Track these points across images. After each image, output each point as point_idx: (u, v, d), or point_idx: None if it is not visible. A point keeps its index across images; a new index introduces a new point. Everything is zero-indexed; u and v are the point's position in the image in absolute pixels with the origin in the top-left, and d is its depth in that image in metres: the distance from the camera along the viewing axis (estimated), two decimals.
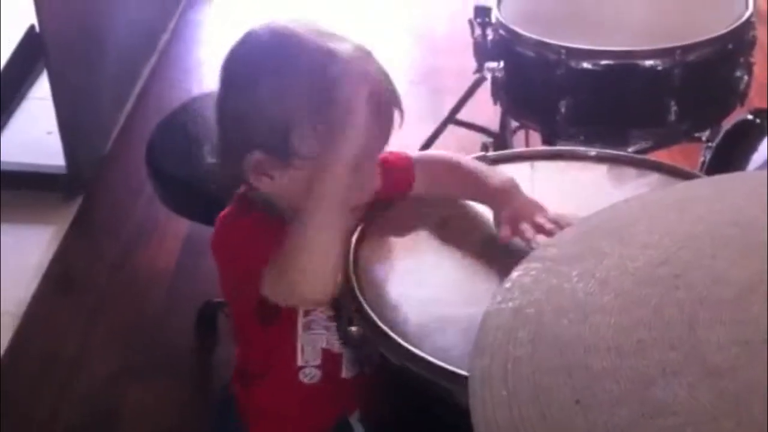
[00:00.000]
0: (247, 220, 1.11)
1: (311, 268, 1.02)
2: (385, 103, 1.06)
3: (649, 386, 0.65)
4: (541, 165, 1.24)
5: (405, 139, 1.15)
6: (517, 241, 1.13)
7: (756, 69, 1.64)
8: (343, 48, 1.03)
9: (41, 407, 1.83)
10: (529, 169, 1.24)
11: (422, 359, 0.98)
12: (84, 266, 2.19)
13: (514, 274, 0.82)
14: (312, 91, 1.02)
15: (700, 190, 0.92)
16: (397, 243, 1.18)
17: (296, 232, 1.03)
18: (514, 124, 2.04)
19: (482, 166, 1.23)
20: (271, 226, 1.08)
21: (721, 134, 1.63)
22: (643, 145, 1.56)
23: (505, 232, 1.14)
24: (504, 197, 1.17)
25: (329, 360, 1.18)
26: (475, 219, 1.20)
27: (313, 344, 1.18)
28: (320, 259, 1.02)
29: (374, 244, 1.16)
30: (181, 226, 2.22)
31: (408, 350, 0.99)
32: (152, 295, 2.10)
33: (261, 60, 1.06)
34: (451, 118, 2.20)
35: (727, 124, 1.63)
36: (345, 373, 1.19)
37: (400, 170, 1.21)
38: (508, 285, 0.80)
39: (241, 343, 1.26)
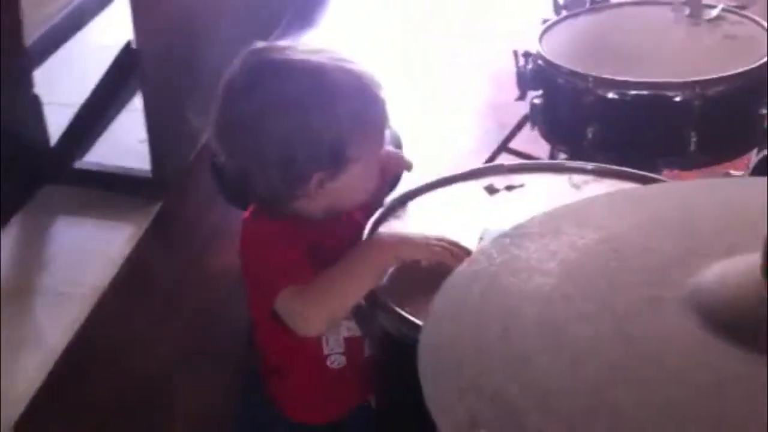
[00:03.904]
0: (272, 227, 1.22)
1: (328, 312, 1.15)
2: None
3: (564, 327, 0.79)
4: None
5: (465, 168, 1.31)
6: None
7: None
8: (356, 66, 1.19)
9: (104, 383, 2.01)
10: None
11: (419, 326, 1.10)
12: (157, 262, 2.40)
13: (486, 245, 0.96)
14: (356, 108, 1.17)
15: (653, 192, 1.05)
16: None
17: (335, 277, 1.15)
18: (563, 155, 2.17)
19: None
20: (294, 233, 1.20)
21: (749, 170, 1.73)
22: (668, 170, 1.68)
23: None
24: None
25: (353, 346, 1.27)
26: None
27: (336, 334, 1.26)
28: (341, 307, 1.16)
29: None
30: None
31: (408, 319, 1.10)
32: (218, 292, 2.27)
33: (301, 93, 1.15)
34: (504, 147, 2.34)
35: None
36: (367, 352, 1.28)
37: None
38: (476, 254, 0.95)
39: (263, 340, 1.33)
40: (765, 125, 1.72)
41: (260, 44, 1.21)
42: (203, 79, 2.80)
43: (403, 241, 1.19)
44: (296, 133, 1.15)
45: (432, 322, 0.83)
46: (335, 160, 1.17)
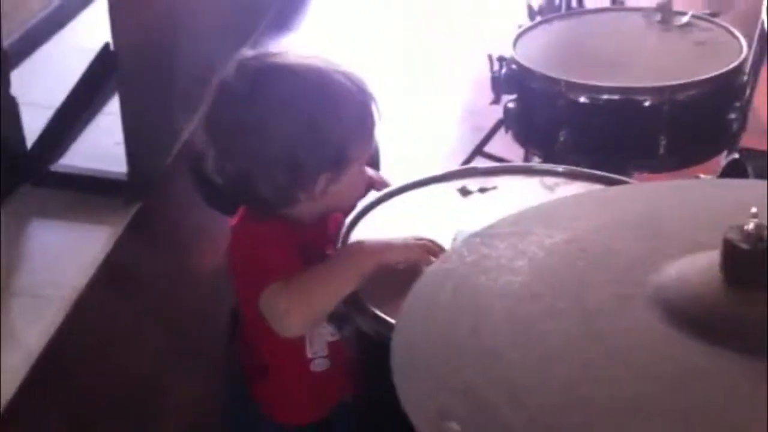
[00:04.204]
0: (266, 228, 1.24)
1: (309, 312, 1.17)
2: None
3: (534, 324, 0.81)
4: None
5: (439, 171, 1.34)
6: None
7: None
8: (349, 69, 1.23)
9: (84, 384, 2.01)
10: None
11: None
12: (135, 264, 2.40)
13: (457, 245, 0.98)
14: (357, 110, 1.22)
15: (619, 193, 1.08)
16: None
17: (318, 277, 1.17)
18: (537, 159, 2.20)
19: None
20: (287, 234, 1.23)
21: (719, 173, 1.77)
22: (638, 173, 1.71)
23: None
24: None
25: (337, 349, 1.30)
26: None
27: (320, 338, 1.29)
28: (321, 308, 1.18)
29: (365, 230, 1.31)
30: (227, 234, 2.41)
31: (384, 320, 1.11)
32: (198, 292, 2.28)
33: (308, 95, 1.18)
34: (479, 150, 2.37)
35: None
36: (348, 353, 1.29)
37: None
38: (448, 254, 0.98)
39: (252, 340, 1.34)
40: (733, 129, 1.76)
41: (251, 51, 1.23)
42: (181, 81, 2.82)
43: (387, 248, 1.20)
44: (304, 136, 1.18)
45: (404, 321, 0.86)
46: (339, 162, 1.20)
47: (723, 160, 1.83)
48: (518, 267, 0.90)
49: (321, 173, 1.20)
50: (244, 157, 1.19)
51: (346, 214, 1.31)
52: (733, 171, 1.70)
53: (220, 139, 1.21)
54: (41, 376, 2.03)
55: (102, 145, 2.78)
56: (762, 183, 1.19)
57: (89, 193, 2.61)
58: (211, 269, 2.40)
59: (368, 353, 1.20)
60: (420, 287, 0.90)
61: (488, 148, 2.41)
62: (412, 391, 0.75)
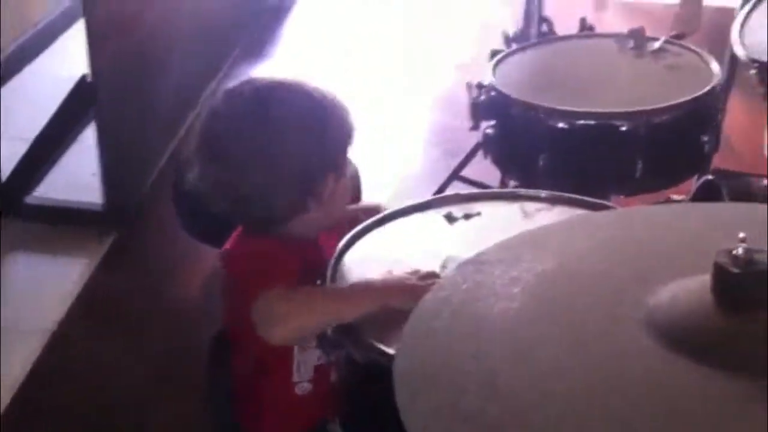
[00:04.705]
0: (265, 242, 1.29)
1: (303, 325, 1.21)
2: None
3: (533, 348, 0.83)
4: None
5: (414, 194, 1.37)
6: None
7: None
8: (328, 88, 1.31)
9: (63, 418, 2.00)
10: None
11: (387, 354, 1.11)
12: (113, 295, 2.39)
13: (450, 273, 1.00)
14: (348, 117, 1.30)
15: (606, 219, 1.11)
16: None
17: (322, 298, 1.22)
18: (513, 182, 2.23)
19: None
20: (290, 249, 1.27)
21: (692, 194, 1.80)
22: (616, 195, 1.75)
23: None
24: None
25: (321, 373, 1.32)
26: None
27: (307, 361, 1.32)
28: (314, 327, 1.21)
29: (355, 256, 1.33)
30: (205, 265, 2.42)
31: (376, 347, 1.13)
32: (179, 320, 2.28)
33: (313, 108, 1.28)
34: (455, 175, 2.40)
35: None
36: (333, 377, 1.31)
37: None
38: (443, 281, 0.99)
39: (241, 361, 1.36)
40: (706, 150, 1.80)
41: (238, 80, 1.30)
42: (157, 111, 2.83)
43: (395, 292, 1.21)
44: (315, 144, 1.26)
45: (405, 349, 0.87)
46: (341, 160, 1.29)
47: (694, 182, 1.87)
48: (513, 293, 0.92)
49: (328, 175, 1.27)
50: (260, 176, 1.24)
51: (339, 234, 1.33)
52: (707, 192, 1.73)
53: (227, 165, 1.25)
54: (21, 411, 2.01)
55: (77, 176, 2.77)
56: (743, 205, 1.23)
57: (65, 224, 2.60)
58: (189, 297, 2.40)
59: (359, 378, 1.21)
60: (418, 315, 0.92)
61: (464, 172, 2.44)
62: (418, 418, 0.77)
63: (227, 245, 1.32)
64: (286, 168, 1.25)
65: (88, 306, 2.34)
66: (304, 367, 1.32)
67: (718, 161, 1.88)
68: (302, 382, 1.33)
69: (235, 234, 1.33)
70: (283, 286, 1.20)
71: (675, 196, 1.94)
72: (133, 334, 2.24)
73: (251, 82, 1.29)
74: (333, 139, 1.28)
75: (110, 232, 2.57)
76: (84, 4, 2.37)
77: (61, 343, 2.21)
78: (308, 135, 1.25)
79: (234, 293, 1.31)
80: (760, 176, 1.67)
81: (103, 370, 2.11)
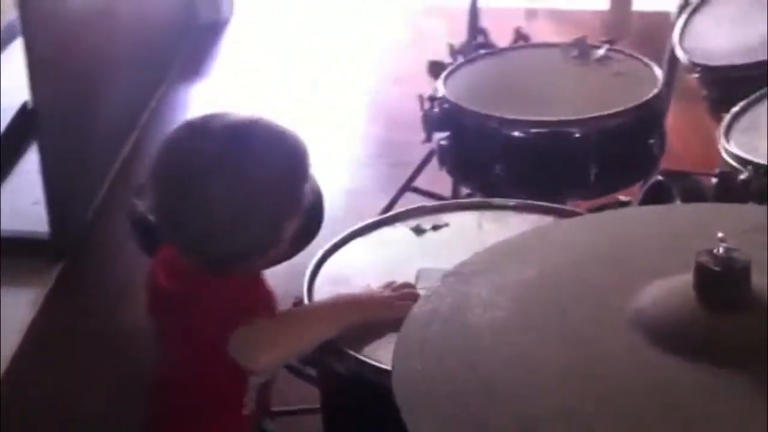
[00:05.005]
0: (230, 280, 1.25)
1: (287, 351, 1.23)
2: None
3: (526, 354, 0.85)
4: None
5: (365, 208, 1.37)
6: None
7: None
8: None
9: None
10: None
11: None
12: (63, 324, 2.35)
13: (435, 285, 1.02)
14: (306, 158, 1.28)
15: (584, 225, 1.14)
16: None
17: (303, 320, 1.24)
18: (465, 190, 2.26)
19: None
20: (252, 286, 1.27)
21: (641, 194, 1.86)
22: (572, 200, 1.79)
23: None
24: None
25: (264, 392, 1.33)
26: None
27: (255, 385, 1.30)
28: (297, 351, 1.24)
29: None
30: None
31: (364, 361, 1.14)
32: (128, 348, 2.25)
33: (280, 145, 1.26)
34: (408, 186, 2.42)
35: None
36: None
37: None
38: (428, 294, 1.01)
39: (185, 391, 1.33)
40: (654, 153, 1.85)
41: (195, 117, 1.27)
42: (99, 135, 2.79)
43: (372, 306, 1.24)
44: (283, 184, 1.25)
45: (400, 366, 0.88)
46: (300, 202, 1.28)
47: (640, 184, 1.92)
48: (500, 302, 0.94)
49: (295, 213, 1.26)
50: (230, 215, 1.21)
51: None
52: (657, 193, 1.78)
53: (194, 203, 1.22)
54: None
55: (19, 205, 2.72)
56: (702, 206, 1.28)
57: (10, 255, 2.54)
58: (143, 320, 2.36)
59: (347, 395, 1.23)
60: (408, 330, 0.93)
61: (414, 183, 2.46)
62: (423, 429, 0.78)
63: (174, 285, 1.29)
64: (259, 207, 1.23)
65: (39, 338, 2.29)
66: (253, 389, 1.32)
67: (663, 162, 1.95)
68: (251, 402, 1.33)
69: (171, 270, 1.30)
70: (263, 317, 1.22)
71: (622, 198, 1.99)
72: (87, 365, 2.20)
73: (217, 118, 1.26)
74: (301, 178, 1.28)
75: (58, 260, 2.53)
76: (23, 32, 2.33)
77: (14, 380, 2.14)
78: (281, 175, 1.25)
79: (194, 332, 1.26)
80: (708, 175, 1.72)
81: (56, 405, 2.07)
